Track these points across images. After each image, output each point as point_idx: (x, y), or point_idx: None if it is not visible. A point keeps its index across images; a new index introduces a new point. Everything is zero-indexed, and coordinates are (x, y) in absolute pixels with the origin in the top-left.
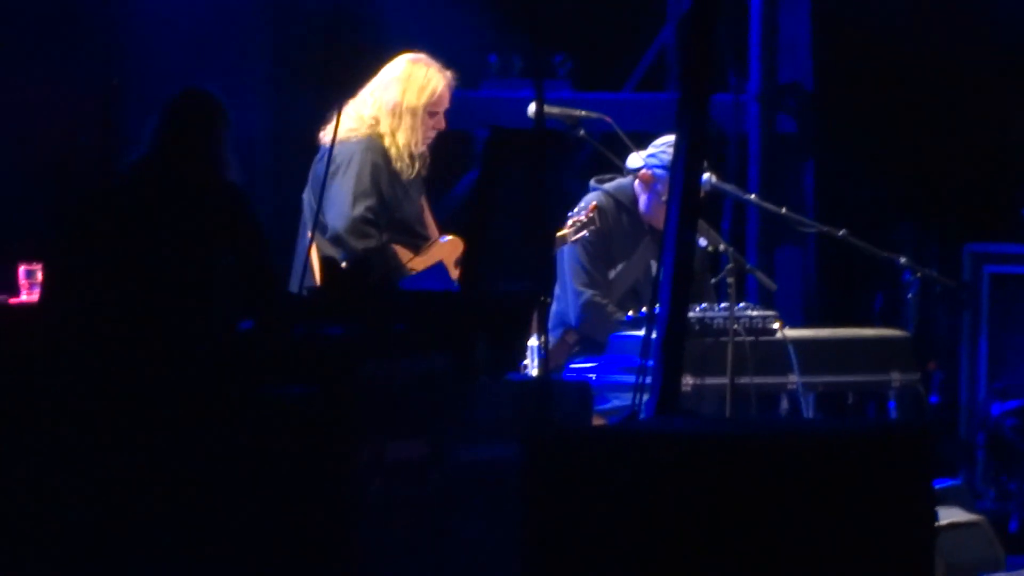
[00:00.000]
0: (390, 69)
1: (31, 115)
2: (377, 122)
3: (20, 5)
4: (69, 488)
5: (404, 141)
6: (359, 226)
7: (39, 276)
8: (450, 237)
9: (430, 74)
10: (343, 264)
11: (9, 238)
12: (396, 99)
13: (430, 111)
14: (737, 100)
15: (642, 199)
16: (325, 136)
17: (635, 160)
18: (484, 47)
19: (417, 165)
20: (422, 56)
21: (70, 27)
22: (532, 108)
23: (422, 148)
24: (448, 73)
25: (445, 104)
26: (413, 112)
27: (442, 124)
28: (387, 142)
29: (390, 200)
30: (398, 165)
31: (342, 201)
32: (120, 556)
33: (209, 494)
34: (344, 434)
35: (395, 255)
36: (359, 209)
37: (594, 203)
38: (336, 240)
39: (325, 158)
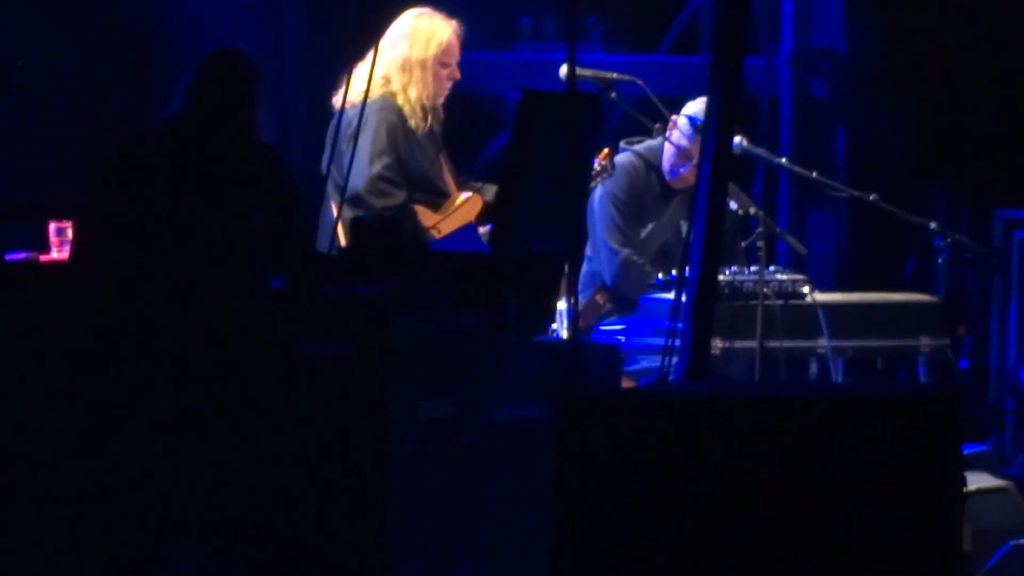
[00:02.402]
0: (396, 27)
1: (62, 73)
2: (388, 81)
3: None
4: (103, 446)
5: (416, 95)
6: (378, 184)
7: (69, 234)
8: (469, 194)
9: (435, 24)
10: (372, 225)
11: (40, 196)
12: (405, 54)
13: (441, 62)
14: (769, 64)
15: (667, 155)
16: (337, 101)
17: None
18: (516, 9)
19: (430, 119)
20: (425, 9)
21: None
22: (564, 70)
23: (437, 101)
24: (454, 22)
25: (455, 54)
26: (423, 65)
27: (456, 75)
28: (400, 100)
29: (408, 158)
30: (412, 122)
31: (361, 162)
32: (155, 513)
33: (242, 451)
34: (376, 393)
35: (415, 215)
36: (377, 168)
37: (605, 149)
38: (356, 200)
39: (338, 122)
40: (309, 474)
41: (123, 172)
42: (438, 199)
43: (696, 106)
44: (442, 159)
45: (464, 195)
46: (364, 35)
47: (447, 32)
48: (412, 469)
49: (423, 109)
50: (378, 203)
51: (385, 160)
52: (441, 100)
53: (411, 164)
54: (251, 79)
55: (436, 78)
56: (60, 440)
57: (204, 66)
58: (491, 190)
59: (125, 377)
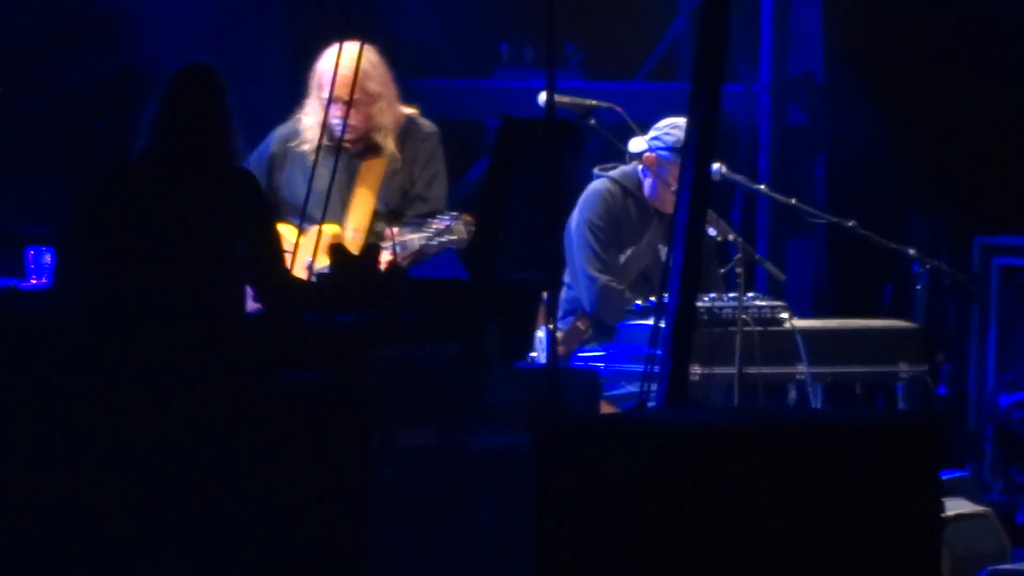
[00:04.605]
0: None
1: (42, 101)
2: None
3: None
4: (80, 476)
5: (309, 122)
6: None
7: (47, 260)
8: (337, 230)
9: (325, 53)
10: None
11: (19, 223)
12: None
13: (319, 89)
14: (748, 91)
15: (647, 183)
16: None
17: (638, 144)
18: (496, 36)
19: (334, 143)
20: (354, 42)
21: (82, 13)
22: (543, 97)
23: (335, 129)
24: (335, 47)
25: (324, 84)
26: (310, 92)
27: (337, 114)
28: (299, 124)
29: (279, 182)
30: (306, 146)
31: None
32: (132, 540)
33: (221, 480)
34: (355, 421)
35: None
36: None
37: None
38: None
39: None
40: (289, 502)
41: (102, 200)
42: (306, 223)
43: (664, 124)
44: (360, 184)
45: (329, 228)
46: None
47: (321, 62)
48: (392, 497)
49: (319, 135)
50: None
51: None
52: (352, 132)
53: (283, 187)
54: (216, 89)
55: (322, 105)
56: (40, 468)
57: (170, 87)
58: (460, 228)
59: (104, 405)
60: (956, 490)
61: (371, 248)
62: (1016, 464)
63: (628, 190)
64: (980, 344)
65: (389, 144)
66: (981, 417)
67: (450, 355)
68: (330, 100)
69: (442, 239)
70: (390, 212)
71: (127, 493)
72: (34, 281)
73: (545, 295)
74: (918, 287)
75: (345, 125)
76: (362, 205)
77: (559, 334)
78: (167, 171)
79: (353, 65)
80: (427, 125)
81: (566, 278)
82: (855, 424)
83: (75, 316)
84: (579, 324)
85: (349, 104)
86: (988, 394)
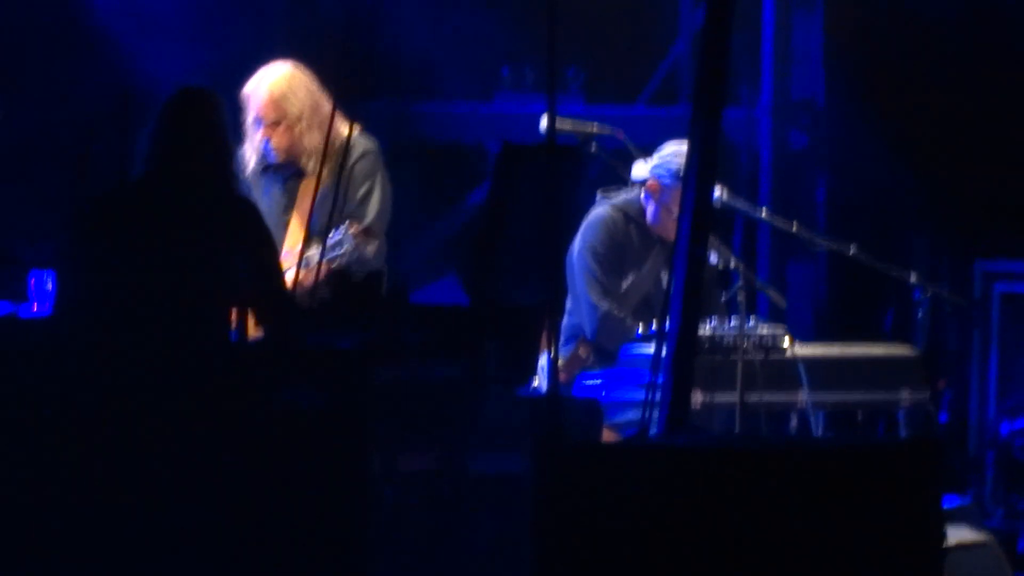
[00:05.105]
0: None
1: (44, 124)
2: None
3: (34, 15)
4: (81, 499)
5: (250, 148)
6: None
7: (49, 284)
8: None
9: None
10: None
11: (20, 246)
12: None
13: (244, 117)
14: (749, 115)
15: (649, 209)
16: None
17: (641, 170)
18: (497, 59)
19: (268, 167)
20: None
21: (83, 36)
22: (544, 121)
23: (264, 153)
24: (264, 75)
25: (248, 107)
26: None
27: (258, 136)
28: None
29: None
30: (248, 172)
31: None
32: (131, 567)
33: (222, 502)
34: (356, 444)
35: None
36: None
37: None
38: None
39: None
40: (290, 524)
41: (100, 223)
42: None
43: (667, 150)
44: (295, 207)
45: None
46: (347, 86)
47: (247, 85)
48: (392, 520)
49: (257, 161)
50: None
51: None
52: (278, 154)
53: None
54: (211, 110)
55: (252, 131)
56: (41, 493)
57: (169, 111)
58: (347, 239)
59: (105, 428)
60: (958, 517)
61: (372, 275)
62: (1018, 491)
63: (630, 216)
64: (981, 371)
65: (313, 166)
66: (982, 444)
67: (450, 379)
68: (258, 122)
69: (334, 253)
70: (322, 233)
71: (128, 518)
72: (36, 307)
73: (546, 320)
74: (919, 313)
75: (267, 147)
76: (295, 228)
77: (560, 360)
78: (164, 196)
79: (272, 87)
80: (363, 143)
81: (568, 304)
82: (857, 451)
83: (74, 341)
84: (580, 351)
85: (270, 126)
86: (989, 421)
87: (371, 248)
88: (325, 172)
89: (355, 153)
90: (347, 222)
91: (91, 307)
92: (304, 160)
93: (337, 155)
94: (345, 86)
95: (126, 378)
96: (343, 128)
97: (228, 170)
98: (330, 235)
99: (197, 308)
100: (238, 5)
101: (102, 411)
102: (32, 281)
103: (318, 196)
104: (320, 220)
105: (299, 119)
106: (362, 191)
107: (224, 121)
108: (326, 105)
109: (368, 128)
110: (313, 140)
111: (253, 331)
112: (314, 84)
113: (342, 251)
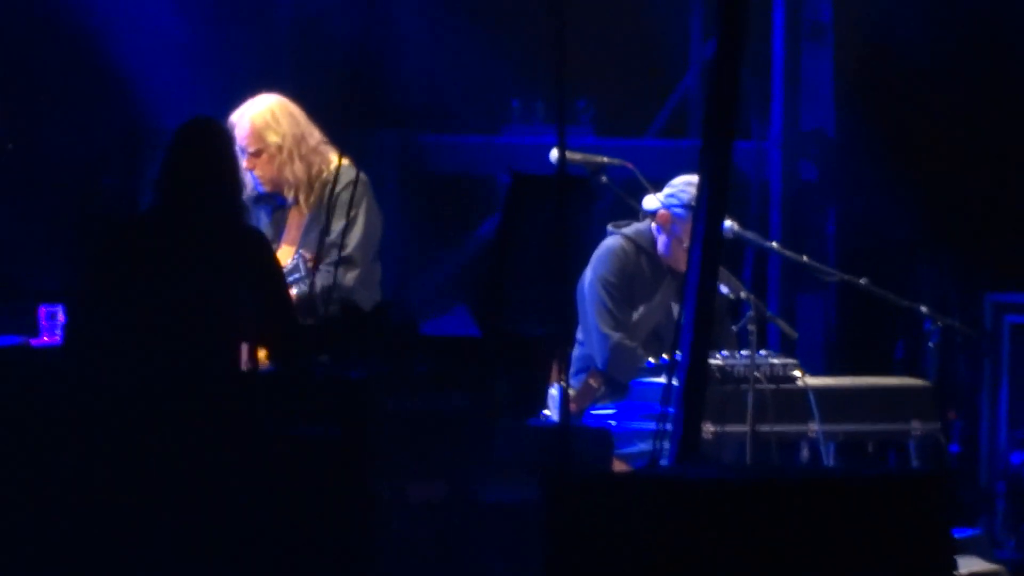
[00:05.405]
0: None
1: (53, 158)
2: None
3: (43, 48)
4: (91, 529)
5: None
6: None
7: (60, 317)
8: None
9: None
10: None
11: (31, 279)
12: None
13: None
14: (759, 147)
15: (660, 240)
16: None
17: (651, 202)
18: (507, 92)
19: (262, 200)
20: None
21: (92, 68)
22: (554, 154)
23: (262, 184)
24: (249, 107)
25: (237, 139)
26: None
27: (248, 163)
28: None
29: None
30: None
31: None
32: None
33: (232, 533)
34: (365, 475)
35: None
36: None
37: None
38: None
39: None
40: (298, 555)
41: (111, 255)
42: None
43: (679, 181)
44: (284, 236)
45: None
46: (351, 116)
47: (234, 115)
48: (401, 551)
49: (250, 196)
50: None
51: None
52: (263, 184)
53: None
54: (224, 146)
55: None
56: (50, 523)
57: (177, 143)
58: (300, 266)
59: (116, 457)
60: (969, 548)
61: (382, 304)
62: None
63: (641, 247)
64: (992, 401)
65: (294, 196)
66: (993, 474)
67: (460, 409)
68: (242, 152)
69: (291, 279)
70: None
71: (136, 548)
72: (47, 338)
73: (557, 351)
74: (930, 344)
75: (253, 176)
76: (283, 257)
77: (571, 391)
78: (174, 228)
79: (254, 118)
80: (349, 173)
81: (579, 335)
82: (868, 482)
83: (85, 372)
84: (591, 381)
85: (252, 156)
86: (1000, 451)
87: (350, 276)
88: (312, 201)
89: (340, 183)
90: (300, 252)
91: (102, 338)
92: (287, 191)
93: (323, 185)
94: (350, 116)
95: (135, 409)
96: (332, 159)
97: (237, 201)
98: (287, 263)
99: (206, 339)
100: (247, 37)
101: (111, 442)
102: (42, 313)
103: (304, 225)
104: (305, 250)
105: (280, 150)
106: (345, 220)
107: (233, 152)
108: (313, 137)
109: (379, 160)
110: (296, 171)
111: (263, 361)
112: (301, 116)
113: (298, 275)
